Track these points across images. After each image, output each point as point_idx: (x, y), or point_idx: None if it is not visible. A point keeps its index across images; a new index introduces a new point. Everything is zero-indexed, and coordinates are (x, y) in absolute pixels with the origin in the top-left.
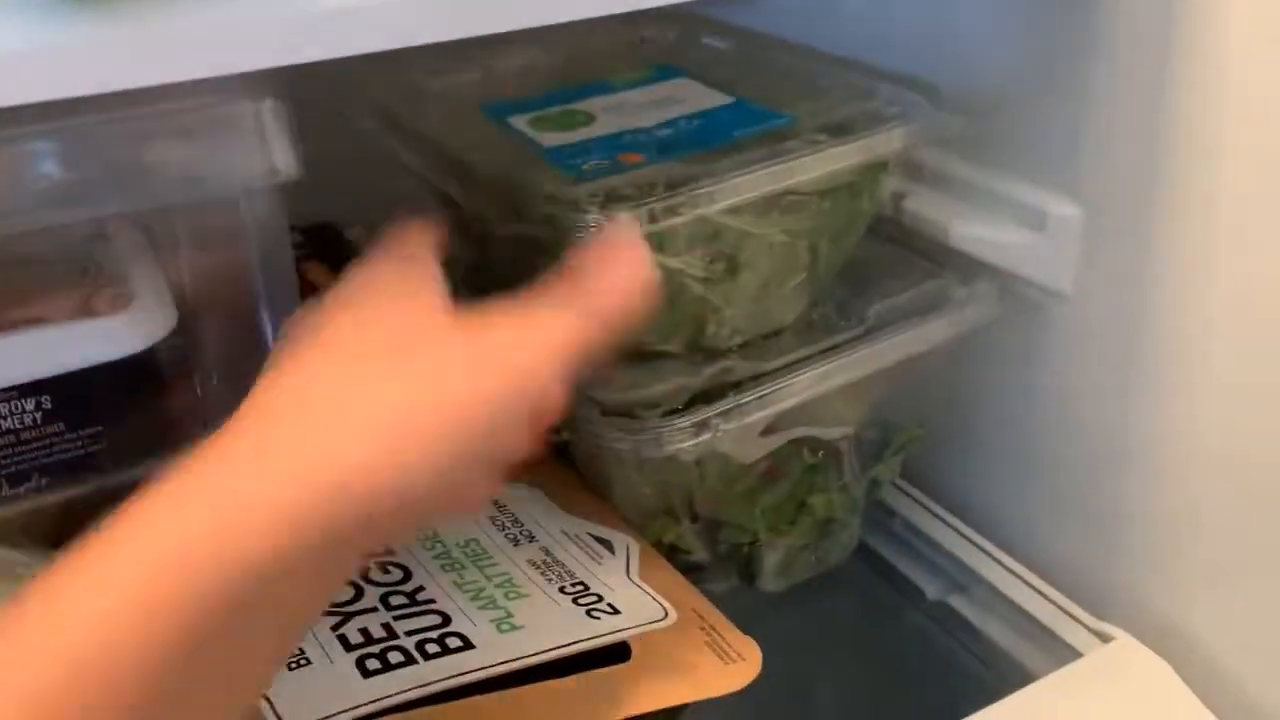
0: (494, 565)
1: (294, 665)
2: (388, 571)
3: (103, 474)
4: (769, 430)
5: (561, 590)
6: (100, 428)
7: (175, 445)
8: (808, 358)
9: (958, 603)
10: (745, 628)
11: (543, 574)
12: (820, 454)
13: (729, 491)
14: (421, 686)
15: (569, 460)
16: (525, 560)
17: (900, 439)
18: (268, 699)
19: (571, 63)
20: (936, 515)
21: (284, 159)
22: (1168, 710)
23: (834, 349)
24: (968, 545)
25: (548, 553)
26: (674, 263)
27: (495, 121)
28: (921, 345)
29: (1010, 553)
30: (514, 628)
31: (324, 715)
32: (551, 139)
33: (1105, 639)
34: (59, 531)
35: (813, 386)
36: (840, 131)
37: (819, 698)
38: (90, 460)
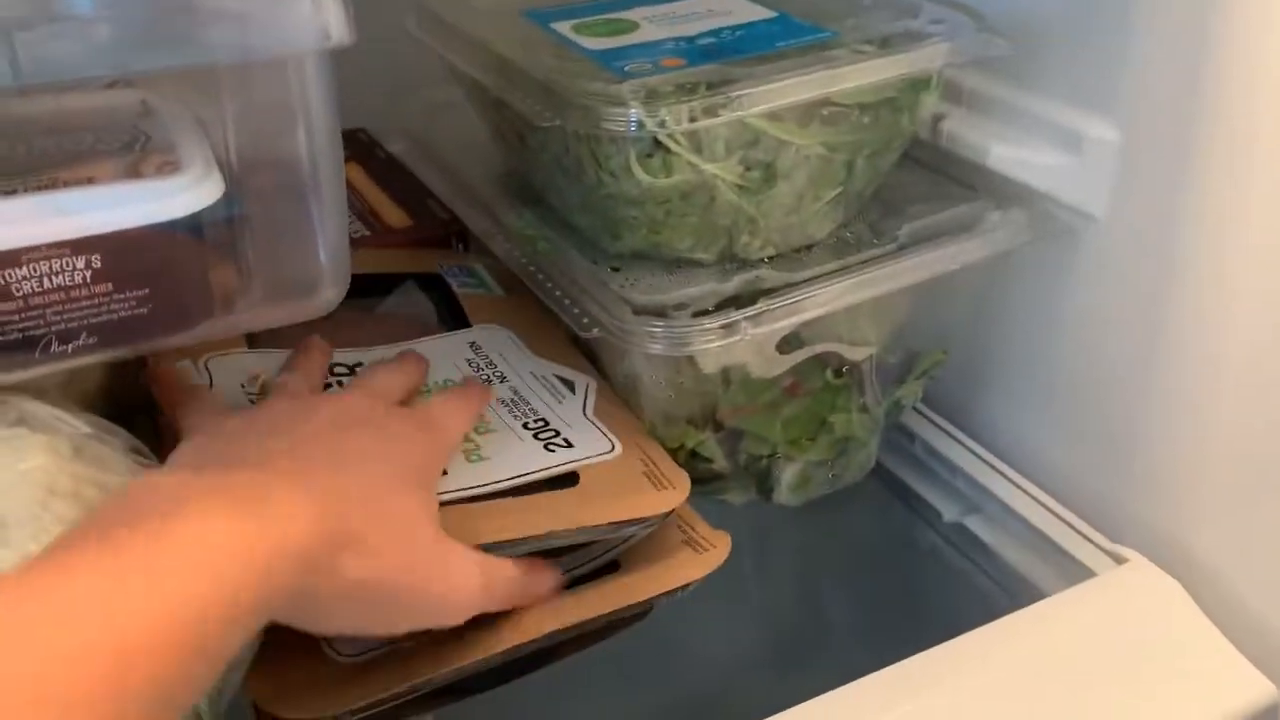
0: None
1: None
2: None
3: (147, 338)
4: (793, 344)
5: (525, 426)
6: (147, 290)
7: (214, 316)
8: (837, 271)
9: (974, 524)
10: (761, 539)
11: (510, 411)
12: (843, 374)
13: (751, 403)
14: None
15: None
16: (496, 399)
17: (924, 363)
18: None
19: None
20: (955, 439)
21: (337, 24)
22: (1178, 628)
23: (864, 264)
24: (985, 468)
25: (515, 392)
26: (711, 168)
27: (539, 25)
28: (951, 264)
29: (1028, 477)
30: (481, 459)
31: None
32: (594, 43)
33: (1119, 560)
34: (96, 393)
35: (841, 297)
36: (884, 45)
37: (831, 610)
38: (136, 322)
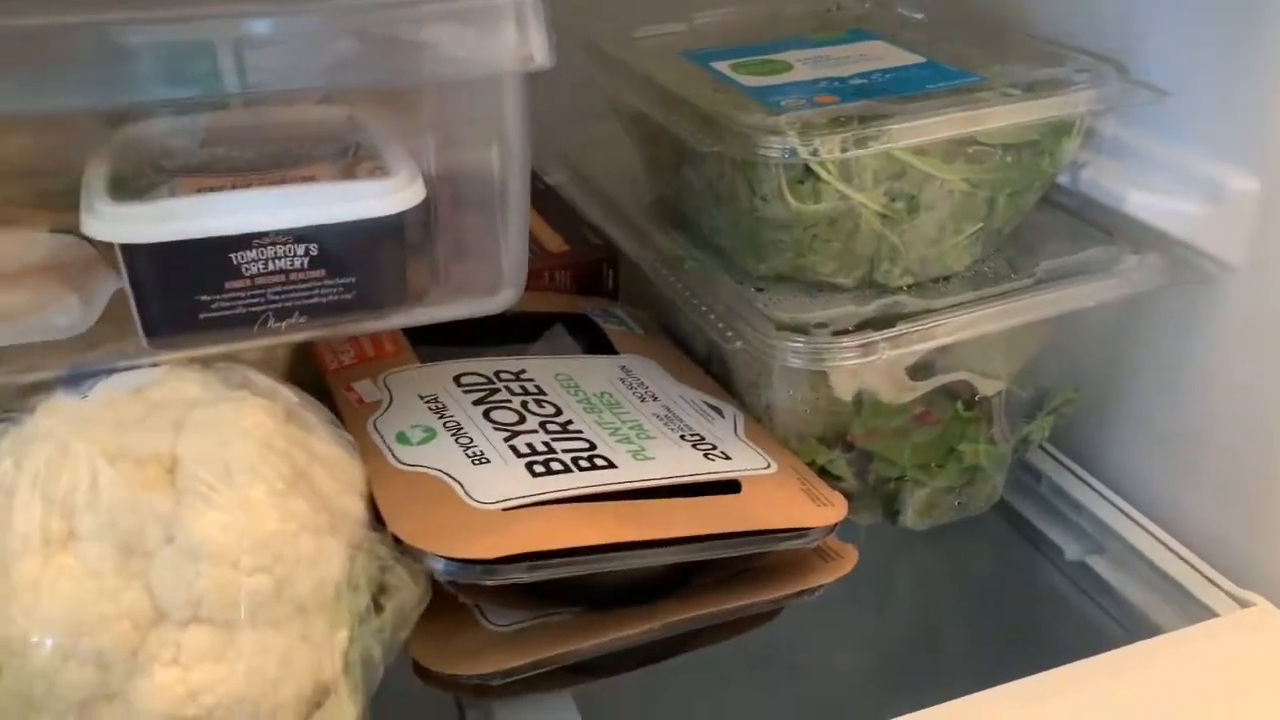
0: (626, 413)
1: (477, 462)
2: (542, 406)
3: (349, 321)
4: (926, 373)
5: (682, 437)
6: (353, 279)
7: (407, 307)
8: (974, 301)
9: (1096, 563)
10: (884, 561)
11: (665, 424)
12: (974, 406)
13: (882, 427)
14: (578, 489)
15: (677, 338)
16: (650, 413)
17: (1054, 400)
18: (458, 481)
19: (767, 25)
20: (1081, 479)
21: (540, 49)
22: None
23: (1000, 296)
24: (1110, 509)
25: (668, 410)
26: (858, 196)
27: (699, 64)
28: (1086, 302)
29: (1153, 520)
30: (646, 458)
31: (505, 497)
32: (751, 80)
33: (1244, 604)
34: (284, 372)
35: (976, 325)
36: (1029, 90)
37: (945, 637)
38: (341, 306)
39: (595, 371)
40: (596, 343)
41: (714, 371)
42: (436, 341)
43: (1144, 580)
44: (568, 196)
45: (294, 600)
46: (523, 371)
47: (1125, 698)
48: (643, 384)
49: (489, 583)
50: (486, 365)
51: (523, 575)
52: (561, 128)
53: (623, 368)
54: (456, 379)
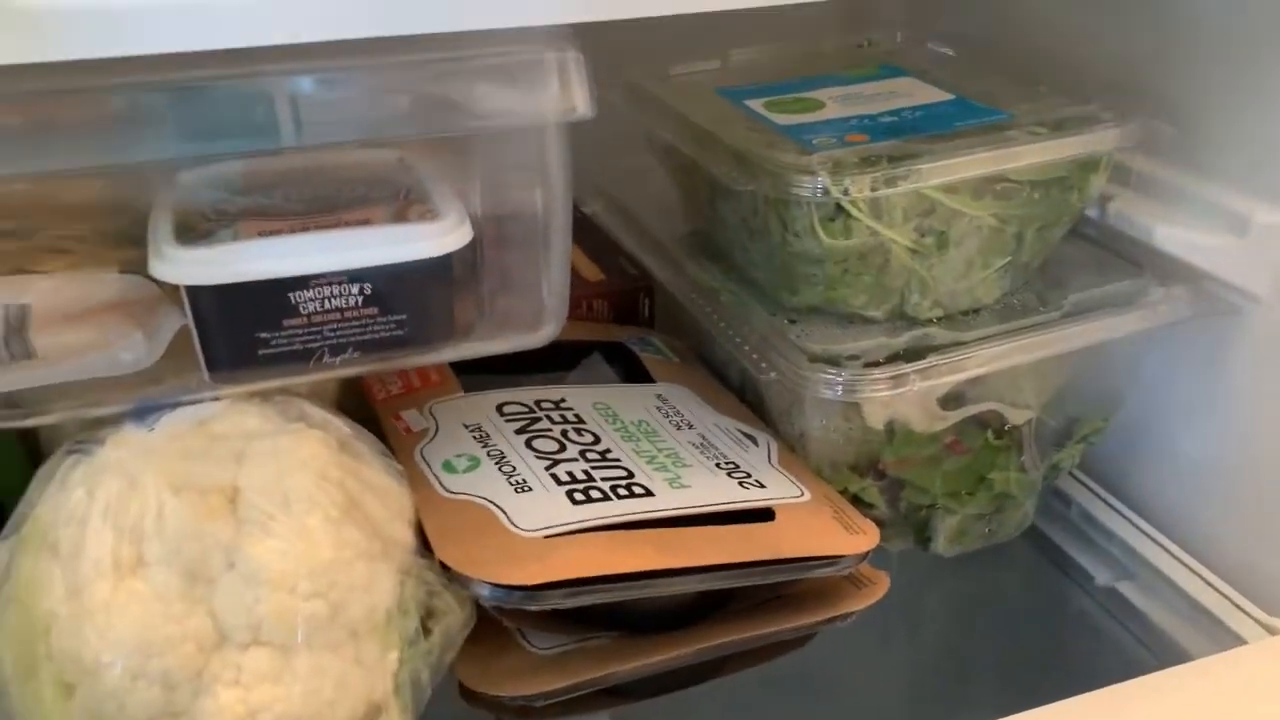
0: (662, 441)
1: (520, 490)
2: (581, 435)
3: (399, 356)
4: (956, 403)
5: (717, 465)
6: (404, 316)
7: (454, 342)
8: (1003, 333)
9: (1126, 589)
10: (915, 587)
11: (701, 452)
12: (1004, 435)
13: (914, 456)
14: (617, 516)
15: (711, 367)
16: (686, 441)
17: (1083, 429)
18: (501, 509)
19: (801, 62)
20: (1112, 506)
21: (582, 101)
22: None
23: (1029, 328)
24: (1140, 535)
25: (704, 438)
26: (888, 233)
27: (732, 102)
28: (1113, 334)
29: (1183, 547)
30: (683, 486)
31: (547, 525)
32: (784, 119)
33: (1273, 632)
34: (336, 396)
35: (1006, 357)
36: (1056, 128)
37: (975, 661)
38: (392, 342)
39: (632, 400)
40: (633, 371)
41: (748, 400)
42: (479, 370)
43: (1173, 607)
44: (604, 226)
45: (348, 625)
46: (562, 400)
47: None
48: (679, 412)
49: (532, 608)
50: (527, 395)
51: (564, 601)
52: (598, 159)
53: (659, 396)
54: (499, 408)
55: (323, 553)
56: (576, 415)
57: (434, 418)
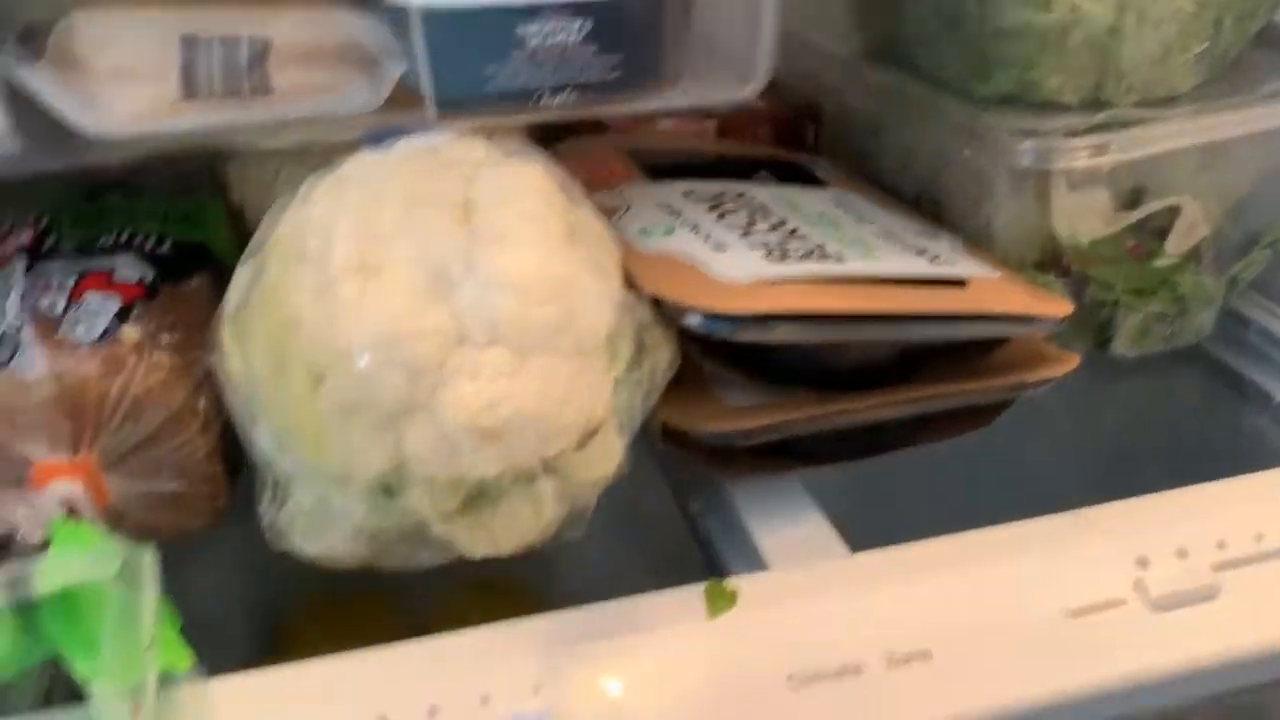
0: (847, 230)
1: (717, 250)
2: (768, 217)
3: (611, 100)
4: (1137, 198)
5: (905, 247)
6: (620, 57)
7: (664, 88)
8: (1200, 112)
9: None
10: (1090, 393)
11: (886, 239)
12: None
13: (1097, 253)
14: (818, 272)
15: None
16: (869, 233)
17: (1268, 236)
18: (702, 263)
19: None
20: None
21: None
22: None
23: (1226, 109)
24: None
25: (887, 230)
26: (1090, 5)
27: None
28: None
29: None
30: (877, 259)
31: (748, 274)
32: None
33: None
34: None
35: (1205, 133)
36: None
37: (1149, 474)
38: (606, 85)
39: (811, 198)
40: (805, 182)
41: (924, 209)
42: (653, 175)
43: None
44: None
45: (575, 335)
46: (744, 193)
47: None
48: (858, 211)
49: (739, 338)
50: (710, 186)
51: (770, 334)
52: None
53: (835, 199)
54: (685, 194)
55: (554, 266)
56: (761, 204)
57: (624, 198)
